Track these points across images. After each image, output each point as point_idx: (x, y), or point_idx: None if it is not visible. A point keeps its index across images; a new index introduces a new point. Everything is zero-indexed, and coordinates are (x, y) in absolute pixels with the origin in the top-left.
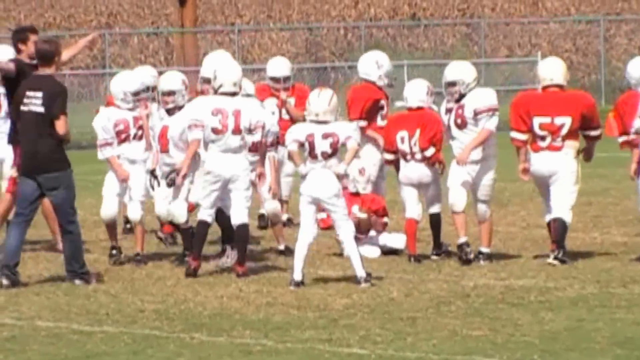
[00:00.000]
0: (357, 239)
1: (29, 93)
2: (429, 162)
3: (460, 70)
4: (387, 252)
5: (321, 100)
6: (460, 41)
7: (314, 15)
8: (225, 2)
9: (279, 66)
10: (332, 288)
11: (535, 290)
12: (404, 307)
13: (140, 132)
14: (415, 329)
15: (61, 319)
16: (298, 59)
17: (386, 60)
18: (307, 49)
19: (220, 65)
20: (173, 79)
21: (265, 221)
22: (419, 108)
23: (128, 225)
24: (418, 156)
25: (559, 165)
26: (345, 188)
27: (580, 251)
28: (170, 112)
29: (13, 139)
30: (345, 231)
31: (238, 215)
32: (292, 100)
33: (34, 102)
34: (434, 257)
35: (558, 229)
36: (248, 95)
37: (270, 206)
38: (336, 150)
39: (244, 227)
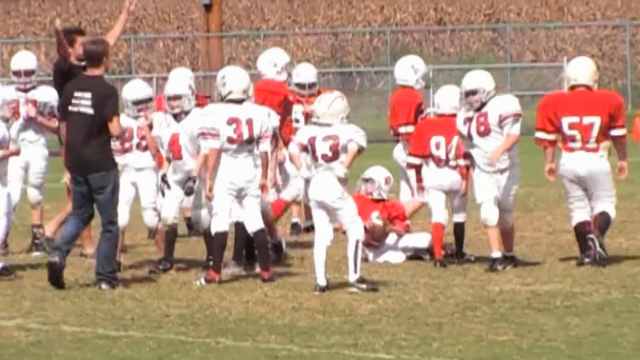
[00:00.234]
0: (373, 246)
1: (77, 94)
2: (462, 170)
3: (480, 79)
4: (413, 257)
5: (322, 102)
6: (485, 46)
7: (339, 20)
8: (251, 7)
9: (304, 72)
10: (357, 293)
11: (561, 296)
12: (430, 312)
13: (144, 142)
14: (441, 334)
15: (87, 324)
16: (323, 64)
17: (421, 64)
18: (332, 54)
19: (229, 72)
20: (179, 84)
21: (298, 228)
22: (452, 115)
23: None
24: (452, 163)
25: (596, 166)
26: (369, 193)
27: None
28: (176, 117)
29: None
30: (352, 232)
31: (253, 222)
32: None
33: (82, 103)
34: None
35: (603, 221)
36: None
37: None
38: (337, 153)
39: (261, 232)
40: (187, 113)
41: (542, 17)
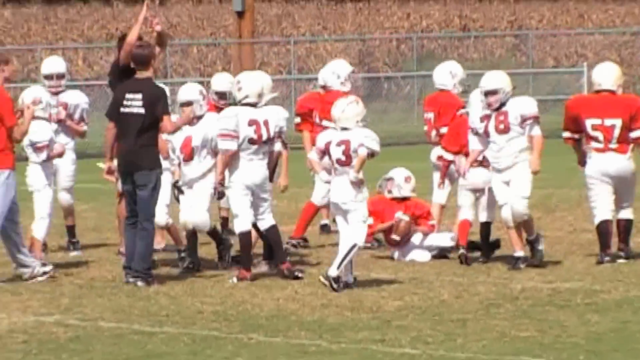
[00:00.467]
0: (398, 245)
1: (128, 95)
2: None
3: (500, 80)
4: (438, 256)
5: (337, 107)
6: (508, 52)
7: (367, 27)
8: (282, 14)
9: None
10: (384, 290)
11: (582, 293)
12: (454, 308)
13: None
14: (465, 330)
15: (123, 320)
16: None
17: (459, 69)
18: (360, 60)
19: (244, 77)
20: (191, 90)
21: (327, 229)
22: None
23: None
24: (486, 163)
25: (625, 167)
26: (389, 191)
27: None
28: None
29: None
30: (354, 235)
31: (267, 219)
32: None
33: (134, 104)
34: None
35: (625, 229)
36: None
37: None
38: (350, 157)
39: (274, 227)
40: (199, 118)
41: (563, 24)
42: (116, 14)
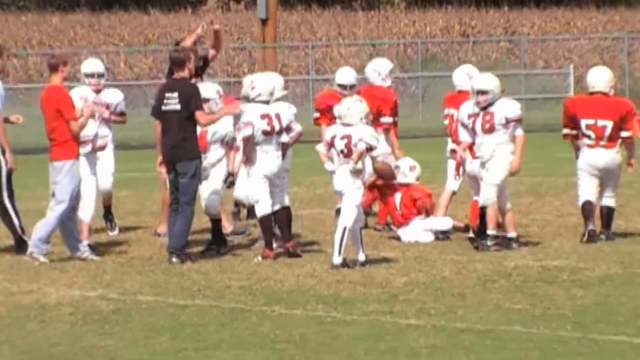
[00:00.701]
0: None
1: (167, 94)
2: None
3: (491, 82)
4: (442, 237)
5: (343, 105)
6: (503, 55)
7: (377, 32)
8: (301, 22)
9: (346, 75)
10: (392, 268)
11: (568, 270)
12: (455, 284)
13: None
14: (465, 303)
15: (159, 294)
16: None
17: (475, 71)
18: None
19: (257, 77)
20: (209, 89)
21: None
22: None
23: (235, 209)
24: None
25: (612, 160)
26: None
27: None
28: None
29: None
30: (344, 218)
31: (283, 202)
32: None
33: (171, 101)
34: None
35: (607, 215)
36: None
37: None
38: (350, 150)
39: (287, 209)
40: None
41: (552, 30)
42: (153, 20)
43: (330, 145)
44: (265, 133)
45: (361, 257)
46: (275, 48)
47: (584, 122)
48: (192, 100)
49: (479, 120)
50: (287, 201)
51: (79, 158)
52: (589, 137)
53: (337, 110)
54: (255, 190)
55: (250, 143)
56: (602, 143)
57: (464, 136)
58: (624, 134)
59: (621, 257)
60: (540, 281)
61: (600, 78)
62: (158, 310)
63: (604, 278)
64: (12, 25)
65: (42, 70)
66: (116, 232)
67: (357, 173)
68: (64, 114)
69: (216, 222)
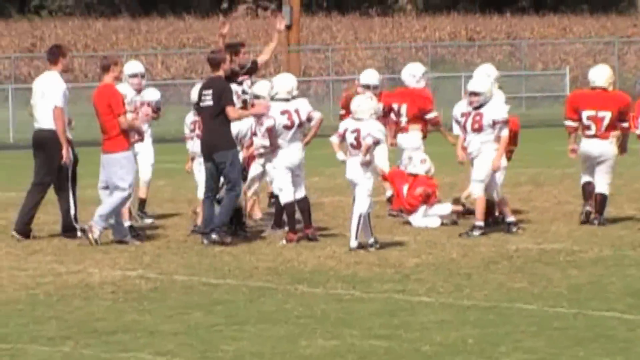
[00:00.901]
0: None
1: (204, 92)
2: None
3: (484, 85)
4: (451, 223)
5: (355, 102)
6: (505, 57)
7: (391, 37)
8: (322, 27)
9: (369, 76)
10: (405, 250)
11: (564, 252)
12: (461, 265)
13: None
14: (470, 282)
15: (193, 274)
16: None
17: (494, 70)
18: (385, 64)
19: (277, 78)
20: (262, 87)
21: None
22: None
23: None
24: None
25: (606, 150)
26: (405, 167)
27: None
28: None
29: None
30: (358, 206)
31: (301, 191)
32: (380, 105)
33: (207, 98)
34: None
35: (601, 202)
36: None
37: None
38: (360, 143)
39: (306, 198)
40: None
41: (550, 34)
42: (187, 26)
43: (342, 137)
44: (285, 127)
45: (370, 239)
46: (299, 51)
47: (585, 114)
48: (222, 96)
49: (469, 120)
50: (304, 191)
51: (130, 149)
52: (588, 127)
53: (350, 106)
54: (279, 179)
55: (273, 135)
56: (598, 133)
57: (457, 131)
58: (625, 124)
59: (612, 241)
60: (539, 262)
61: (600, 75)
62: (192, 288)
63: (596, 259)
64: (59, 29)
65: (86, 71)
66: (150, 220)
67: (366, 164)
68: (114, 109)
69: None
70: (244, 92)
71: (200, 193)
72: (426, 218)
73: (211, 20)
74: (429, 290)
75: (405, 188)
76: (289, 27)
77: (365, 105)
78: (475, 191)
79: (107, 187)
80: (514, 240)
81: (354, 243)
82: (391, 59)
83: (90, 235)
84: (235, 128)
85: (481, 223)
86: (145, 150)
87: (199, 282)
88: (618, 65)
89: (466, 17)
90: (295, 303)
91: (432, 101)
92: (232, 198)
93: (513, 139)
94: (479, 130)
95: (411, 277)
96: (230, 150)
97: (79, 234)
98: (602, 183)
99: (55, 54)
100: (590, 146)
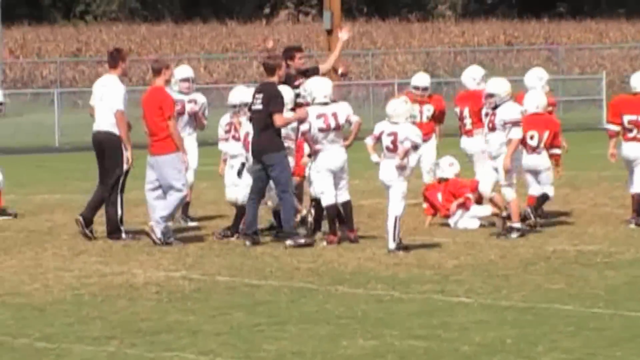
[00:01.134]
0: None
1: (256, 95)
2: (553, 156)
3: (498, 86)
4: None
5: (390, 106)
6: (543, 62)
7: (430, 42)
8: (363, 32)
9: (421, 78)
10: (444, 251)
11: (601, 254)
12: (500, 266)
13: (237, 134)
14: (509, 283)
15: (236, 275)
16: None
17: (545, 74)
18: (425, 68)
19: (313, 82)
20: (244, 94)
21: None
22: (539, 114)
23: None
24: (539, 150)
25: None
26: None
27: None
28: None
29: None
30: (393, 209)
31: (344, 195)
32: (431, 107)
33: (257, 102)
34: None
35: (638, 202)
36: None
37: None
38: (396, 146)
39: (349, 202)
40: None
41: (587, 40)
42: (230, 31)
43: (377, 139)
44: (321, 130)
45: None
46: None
47: (626, 118)
48: (271, 102)
49: (488, 120)
50: (348, 195)
51: (179, 151)
52: (630, 130)
53: (386, 110)
54: (320, 182)
55: (309, 139)
56: (637, 137)
57: None
58: None
59: None
60: (576, 264)
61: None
62: (235, 289)
63: (633, 261)
64: (104, 34)
65: (130, 75)
66: (194, 223)
67: (401, 168)
68: (165, 111)
69: (239, 209)
70: (297, 95)
71: (229, 194)
72: (465, 220)
73: (253, 25)
74: (468, 291)
75: (439, 195)
76: (329, 32)
77: (400, 109)
78: (507, 195)
79: (155, 189)
80: (551, 241)
81: (392, 245)
82: (430, 64)
83: (153, 236)
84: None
85: (518, 224)
86: (189, 153)
87: (241, 283)
88: None
89: (504, 22)
90: (335, 303)
91: None
92: (287, 200)
93: (552, 141)
94: (493, 129)
95: (450, 278)
96: (278, 153)
97: (123, 235)
98: (639, 184)
99: (116, 58)
100: (629, 150)
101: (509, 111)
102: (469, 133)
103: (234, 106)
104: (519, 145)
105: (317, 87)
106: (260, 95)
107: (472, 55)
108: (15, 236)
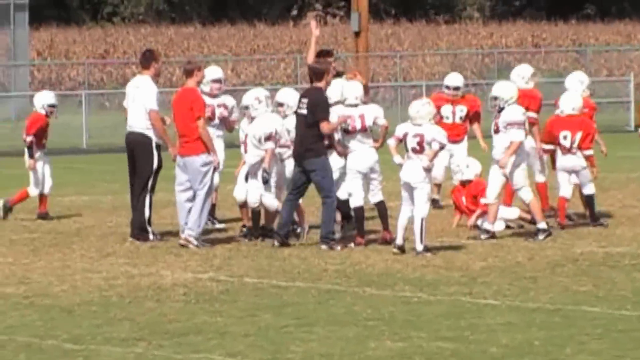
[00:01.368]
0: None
1: (302, 100)
2: (586, 158)
3: (501, 89)
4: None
5: (413, 107)
6: (571, 64)
7: (457, 43)
8: (390, 34)
9: (453, 78)
10: (472, 253)
11: (629, 256)
12: (527, 268)
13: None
14: (536, 285)
15: (263, 277)
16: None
17: (586, 78)
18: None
19: (346, 84)
20: (248, 97)
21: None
22: (573, 115)
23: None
24: (574, 151)
25: None
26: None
27: None
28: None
29: None
30: (419, 211)
31: (376, 196)
32: (464, 108)
33: (302, 107)
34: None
35: None
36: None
37: None
38: (422, 147)
39: (382, 202)
40: (253, 119)
41: (615, 41)
42: (257, 32)
43: (400, 141)
44: (346, 132)
45: (399, 241)
46: (367, 57)
47: None
48: (317, 109)
49: (494, 122)
50: (381, 195)
51: (209, 152)
52: None
53: (408, 111)
54: (348, 183)
55: (333, 140)
56: None
57: None
58: None
59: None
60: (604, 265)
61: None
62: (262, 290)
63: None
64: (131, 36)
65: None
66: (222, 225)
67: (428, 169)
68: (196, 112)
69: (255, 213)
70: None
71: (237, 192)
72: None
73: (281, 27)
74: (496, 293)
75: (463, 198)
76: (357, 34)
77: (423, 110)
78: (525, 197)
79: (186, 190)
80: (579, 243)
81: (419, 247)
82: (458, 66)
83: (191, 247)
84: (271, 127)
85: (544, 225)
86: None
87: (269, 284)
88: None
89: (532, 24)
90: (363, 305)
91: (539, 102)
92: (329, 205)
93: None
94: (497, 131)
95: (478, 280)
96: (319, 158)
97: (151, 237)
98: None
99: (149, 59)
100: None
101: (512, 112)
102: None
103: (246, 107)
104: (556, 148)
105: (349, 89)
106: (305, 100)
107: (500, 57)
108: (44, 238)
